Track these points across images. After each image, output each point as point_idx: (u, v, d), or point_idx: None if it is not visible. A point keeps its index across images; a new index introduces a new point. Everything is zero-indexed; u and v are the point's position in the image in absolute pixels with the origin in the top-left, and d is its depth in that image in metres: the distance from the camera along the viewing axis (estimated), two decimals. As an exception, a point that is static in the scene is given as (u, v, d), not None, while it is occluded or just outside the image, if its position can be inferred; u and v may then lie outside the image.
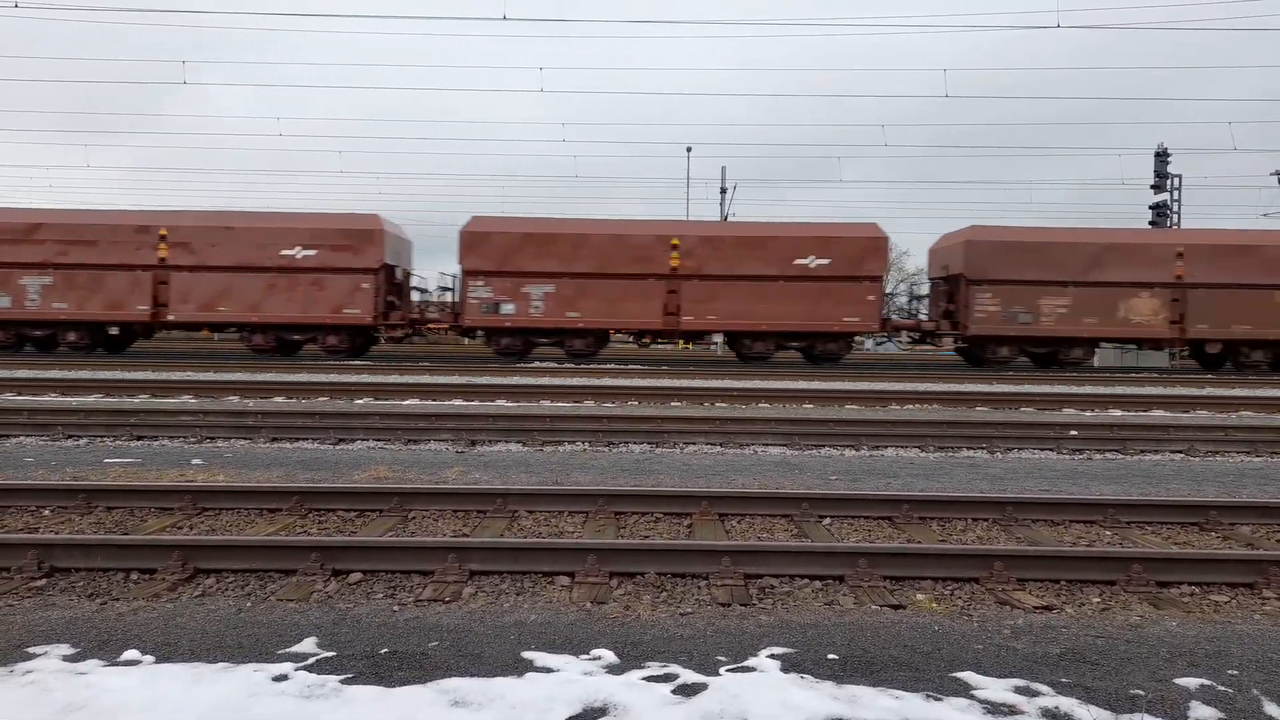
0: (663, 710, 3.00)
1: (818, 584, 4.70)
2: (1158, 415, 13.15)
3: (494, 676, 3.28)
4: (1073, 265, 23.15)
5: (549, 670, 3.37)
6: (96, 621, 3.90)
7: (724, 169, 39.16)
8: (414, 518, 6.02)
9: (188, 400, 13.10)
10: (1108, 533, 5.97)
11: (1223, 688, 3.30)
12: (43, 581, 4.56)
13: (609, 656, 3.53)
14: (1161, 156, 34.54)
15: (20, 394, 13.59)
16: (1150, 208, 34.94)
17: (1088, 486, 7.52)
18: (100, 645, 3.60)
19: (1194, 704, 3.13)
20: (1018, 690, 3.23)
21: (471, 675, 3.29)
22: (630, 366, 22.13)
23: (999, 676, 3.36)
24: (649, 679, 3.29)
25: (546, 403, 13.51)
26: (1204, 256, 23.22)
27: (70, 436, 9.46)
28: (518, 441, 9.50)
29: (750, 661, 3.50)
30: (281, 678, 3.24)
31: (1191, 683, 3.32)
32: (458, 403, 13.27)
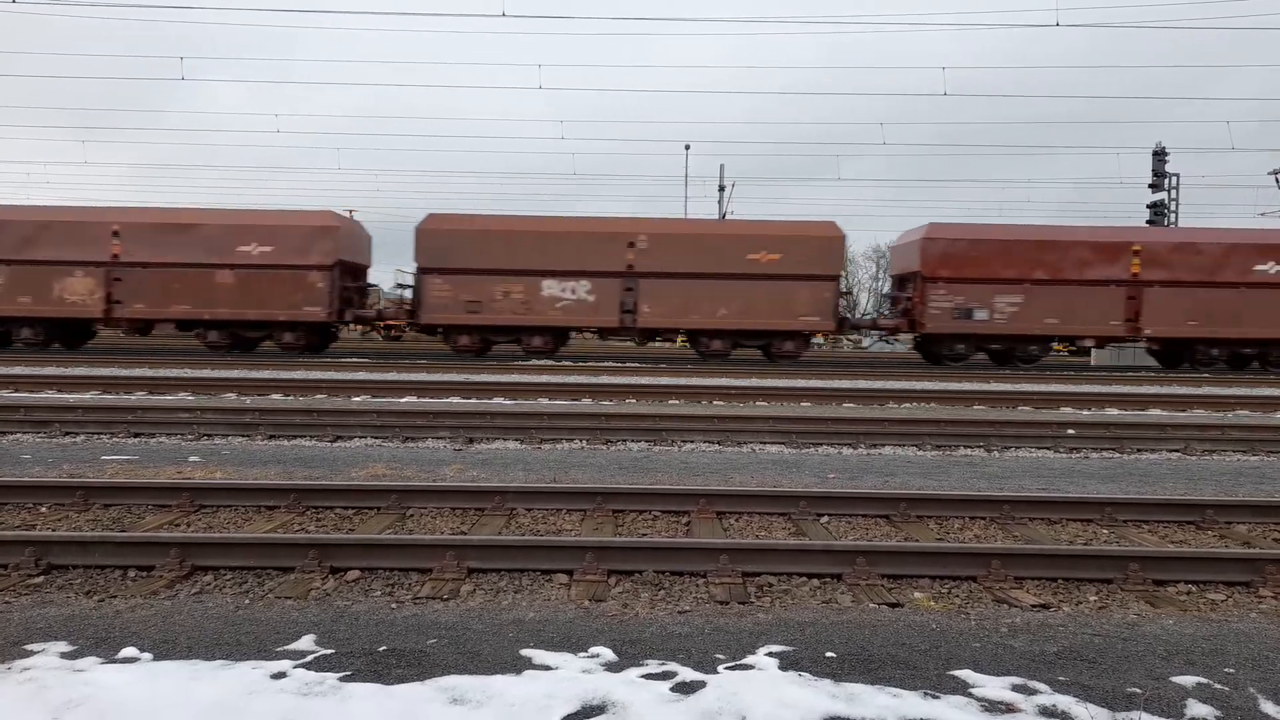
0: (662, 708, 3.00)
1: (816, 582, 4.70)
2: (1155, 414, 13.17)
3: (493, 674, 3.28)
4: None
5: (548, 668, 3.37)
6: (94, 619, 3.89)
7: (722, 166, 39.07)
8: (412, 515, 6.01)
9: (185, 397, 13.08)
10: (1105, 531, 5.98)
11: (1219, 686, 3.31)
12: (40, 579, 4.56)
13: (607, 654, 3.53)
14: (1159, 155, 34.58)
15: (17, 390, 13.57)
16: (1148, 206, 34.99)
17: (1085, 485, 7.53)
18: (98, 642, 3.59)
19: (1191, 702, 3.14)
20: (1015, 688, 3.24)
21: (470, 673, 3.29)
22: (628, 364, 22.12)
23: (996, 675, 3.36)
24: (647, 677, 3.30)
25: (544, 400, 13.51)
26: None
27: (68, 433, 9.44)
28: (516, 439, 9.50)
29: (749, 659, 3.50)
30: (280, 675, 3.24)
31: (1188, 681, 3.33)
32: (455, 400, 13.26)
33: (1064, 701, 3.12)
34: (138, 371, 17.08)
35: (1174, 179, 34.58)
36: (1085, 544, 5.67)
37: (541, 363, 22.01)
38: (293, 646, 3.57)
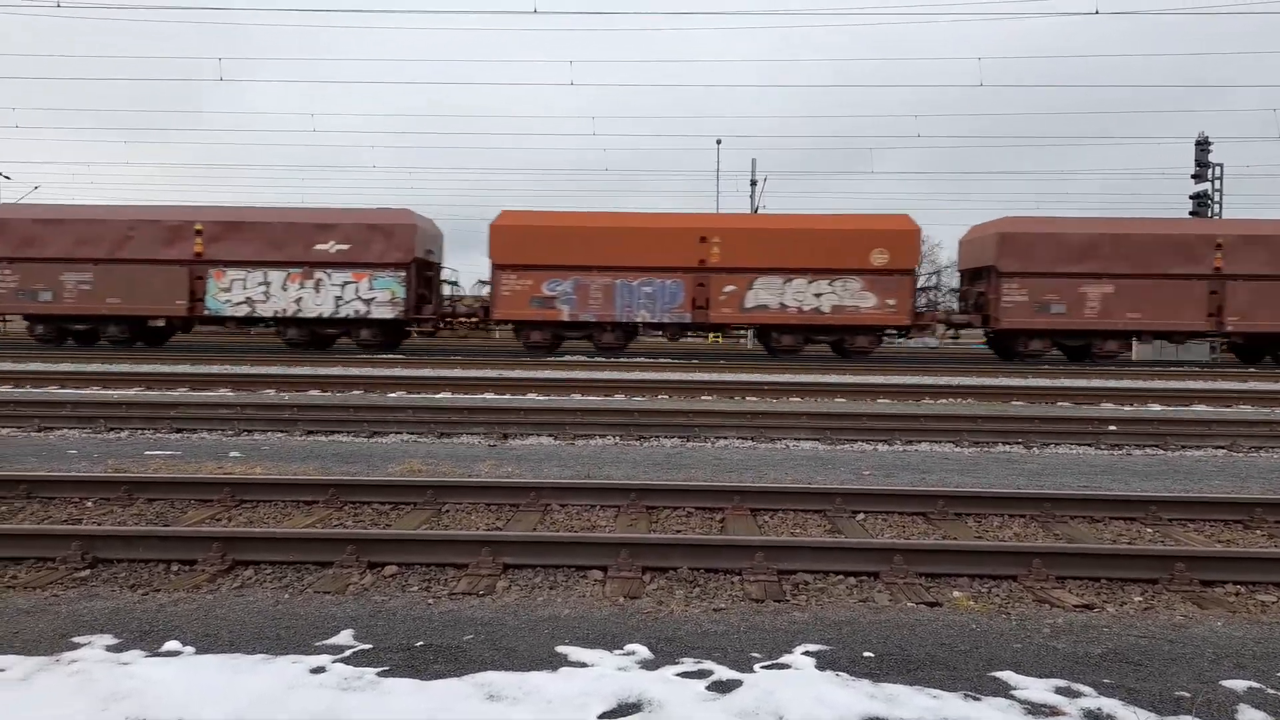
0: (698, 707, 2.99)
1: (852, 580, 4.66)
2: (1199, 410, 12.88)
3: (529, 671, 3.29)
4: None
5: (583, 665, 3.37)
6: (138, 612, 3.96)
7: (754, 161, 38.94)
8: (448, 511, 6.05)
9: (225, 393, 13.29)
10: (1149, 530, 5.86)
11: (1272, 691, 3.22)
12: (87, 572, 4.65)
13: (643, 652, 3.52)
14: (1202, 145, 33.80)
15: (64, 387, 13.87)
16: (1191, 197, 34.22)
17: (1127, 483, 7.39)
18: (142, 636, 3.66)
19: (1242, 707, 3.06)
20: (1059, 691, 3.18)
21: (506, 669, 3.30)
22: (661, 360, 22.11)
23: (1039, 676, 3.31)
24: (683, 675, 3.28)
25: (577, 396, 13.54)
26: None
27: (112, 429, 9.64)
28: (549, 435, 9.53)
29: (785, 658, 3.48)
30: (319, 670, 3.27)
31: (1239, 685, 3.25)
32: (489, 396, 13.34)
33: (1109, 705, 3.06)
34: (180, 368, 17.39)
35: (1218, 169, 33.79)
36: (1129, 543, 5.56)
37: (574, 358, 22.07)
38: (331, 641, 3.61)
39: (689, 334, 25.09)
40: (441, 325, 24.71)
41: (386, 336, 23.99)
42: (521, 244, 22.99)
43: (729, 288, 23.06)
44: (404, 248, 23.11)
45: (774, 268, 22.93)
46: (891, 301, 23.00)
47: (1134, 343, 25.30)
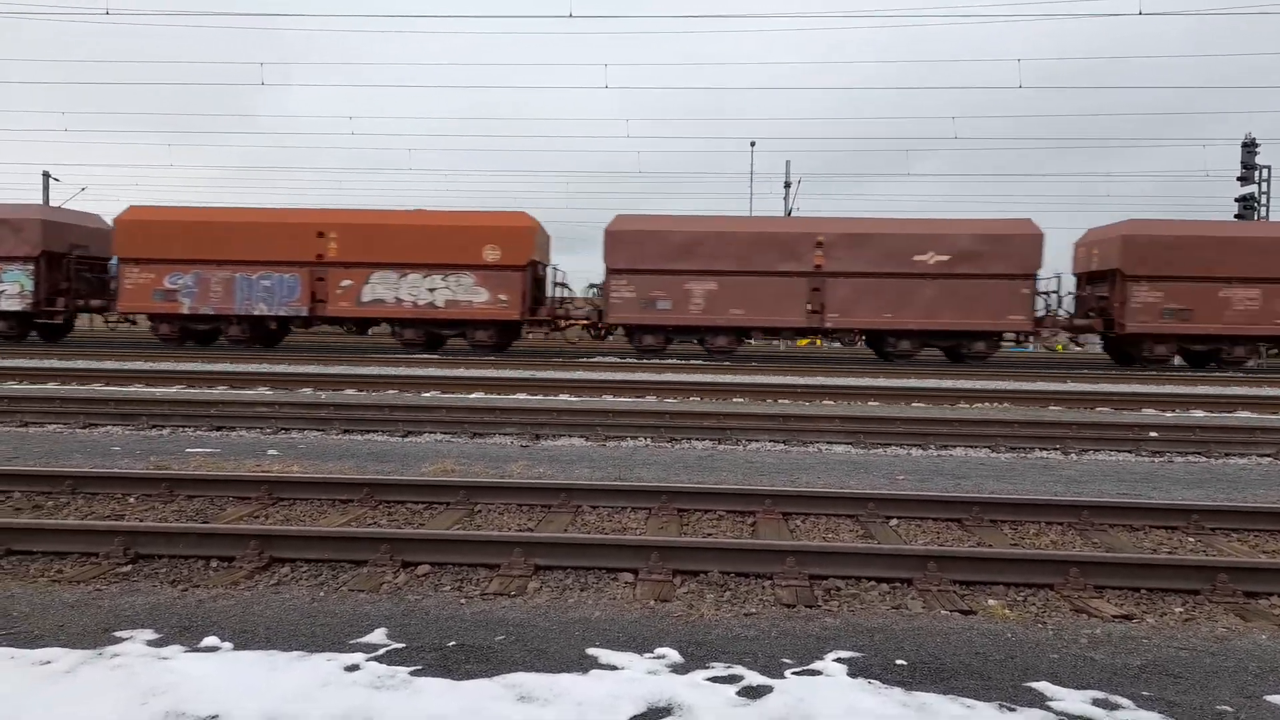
0: (728, 712, 2.98)
1: (885, 587, 4.62)
2: (1243, 416, 12.60)
3: (560, 673, 3.30)
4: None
5: (614, 668, 3.38)
6: (178, 608, 4.04)
7: (788, 163, 38.71)
8: (480, 511, 6.10)
9: (264, 392, 13.50)
10: (1190, 540, 5.74)
11: (1318, 707, 3.14)
12: (129, 567, 4.75)
13: (673, 656, 3.52)
14: (1249, 147, 33.07)
15: (108, 384, 14.18)
16: (1236, 200, 33.49)
17: (1168, 491, 7.25)
18: (182, 631, 3.73)
19: (1286, 723, 2.99)
20: (1096, 703, 3.13)
21: (537, 671, 3.32)
22: (692, 362, 22.07)
23: (1076, 688, 3.25)
24: (714, 680, 3.28)
25: (609, 397, 13.57)
26: None
27: (154, 426, 9.83)
28: (581, 436, 9.56)
29: (816, 665, 3.46)
30: (353, 668, 3.31)
31: (1283, 700, 3.17)
32: (522, 396, 13.41)
33: (1149, 718, 3.00)
34: (219, 366, 17.69)
35: (1265, 171, 33.03)
36: (1170, 553, 5.45)
37: (607, 359, 22.10)
38: (365, 639, 3.65)
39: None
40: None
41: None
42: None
43: (345, 282, 23.15)
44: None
45: (390, 263, 23.00)
46: (504, 297, 23.00)
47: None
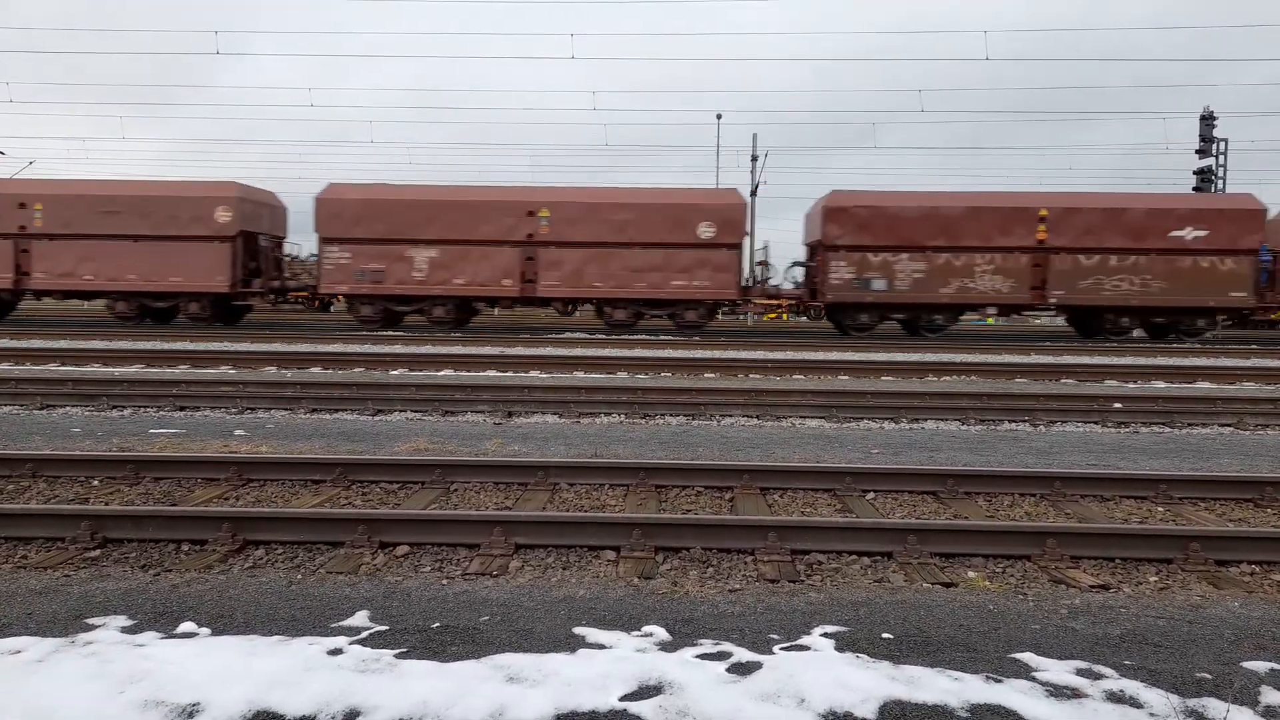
0: (720, 689, 2.97)
1: (866, 560, 4.65)
2: (1203, 387, 12.87)
3: (547, 653, 3.27)
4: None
5: (602, 647, 3.35)
6: (151, 593, 3.94)
7: (755, 136, 38.48)
8: (456, 490, 6.03)
9: (227, 370, 13.24)
10: (1160, 509, 5.84)
11: (1293, 672, 3.20)
12: (97, 552, 4.63)
13: (661, 634, 3.50)
14: (1207, 120, 33.57)
15: (64, 364, 13.82)
16: (1195, 173, 34.05)
17: (1136, 461, 7.38)
18: (156, 617, 3.63)
19: (1265, 689, 3.05)
20: (1079, 672, 3.16)
21: (525, 651, 3.28)
22: (661, 338, 22.05)
23: (1059, 658, 3.29)
24: (703, 657, 3.26)
25: (580, 374, 13.51)
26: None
27: (115, 407, 9.60)
28: (554, 413, 9.50)
29: (804, 640, 3.46)
30: (336, 651, 3.25)
31: (1260, 666, 3.24)
32: (493, 373, 13.30)
33: (1131, 687, 3.04)
34: (179, 345, 17.32)
35: (1222, 144, 33.59)
36: (1141, 522, 5.54)
37: (575, 336, 21.99)
38: (347, 623, 3.59)
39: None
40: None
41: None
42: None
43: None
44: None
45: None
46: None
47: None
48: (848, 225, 22.53)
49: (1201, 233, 22.24)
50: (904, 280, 22.60)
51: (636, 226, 22.64)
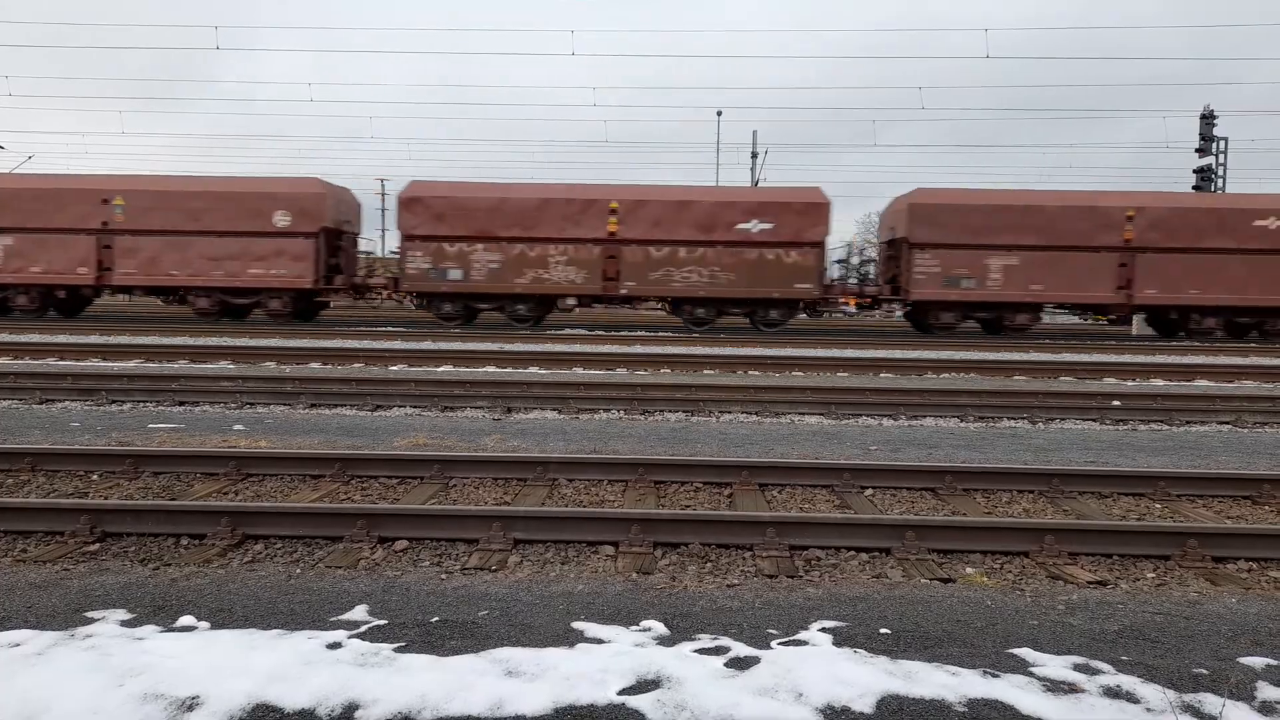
0: (717, 683, 2.98)
1: (864, 556, 4.65)
2: (1202, 385, 12.88)
3: (546, 647, 3.27)
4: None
5: (600, 641, 3.36)
6: (150, 587, 3.94)
7: (755, 133, 38.50)
8: (455, 485, 6.03)
9: (226, 365, 13.24)
10: (1158, 506, 5.85)
11: (1289, 668, 3.21)
12: (96, 546, 4.63)
13: (659, 628, 3.51)
14: (1207, 119, 33.55)
15: (63, 359, 13.81)
16: (1195, 171, 34.03)
17: (1134, 458, 7.39)
18: (155, 610, 3.64)
19: (1261, 684, 3.06)
20: (1077, 668, 3.17)
21: (523, 645, 3.29)
22: (660, 334, 22.05)
23: (1057, 653, 3.30)
24: (701, 651, 3.27)
25: (579, 370, 13.51)
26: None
27: (114, 401, 9.60)
28: (554, 409, 9.50)
29: (802, 635, 3.47)
30: (336, 645, 3.26)
31: (1257, 662, 3.24)
32: (492, 369, 13.30)
33: (1128, 682, 3.05)
34: (179, 340, 17.32)
35: (1222, 143, 33.57)
36: (1139, 519, 5.55)
37: (574, 332, 22.00)
38: (346, 617, 3.59)
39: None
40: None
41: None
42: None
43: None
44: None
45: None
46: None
47: (1134, 319, 25.16)
48: (423, 215, 22.57)
49: (767, 225, 22.47)
50: (480, 270, 22.70)
51: (212, 215, 22.58)
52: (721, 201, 22.75)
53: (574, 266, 22.69)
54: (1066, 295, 22.80)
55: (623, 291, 22.89)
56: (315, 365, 13.62)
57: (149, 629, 3.42)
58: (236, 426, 8.22)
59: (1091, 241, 22.31)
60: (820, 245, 22.82)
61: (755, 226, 22.43)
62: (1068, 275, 22.43)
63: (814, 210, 22.57)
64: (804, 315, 24.17)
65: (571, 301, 23.53)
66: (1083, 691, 3.00)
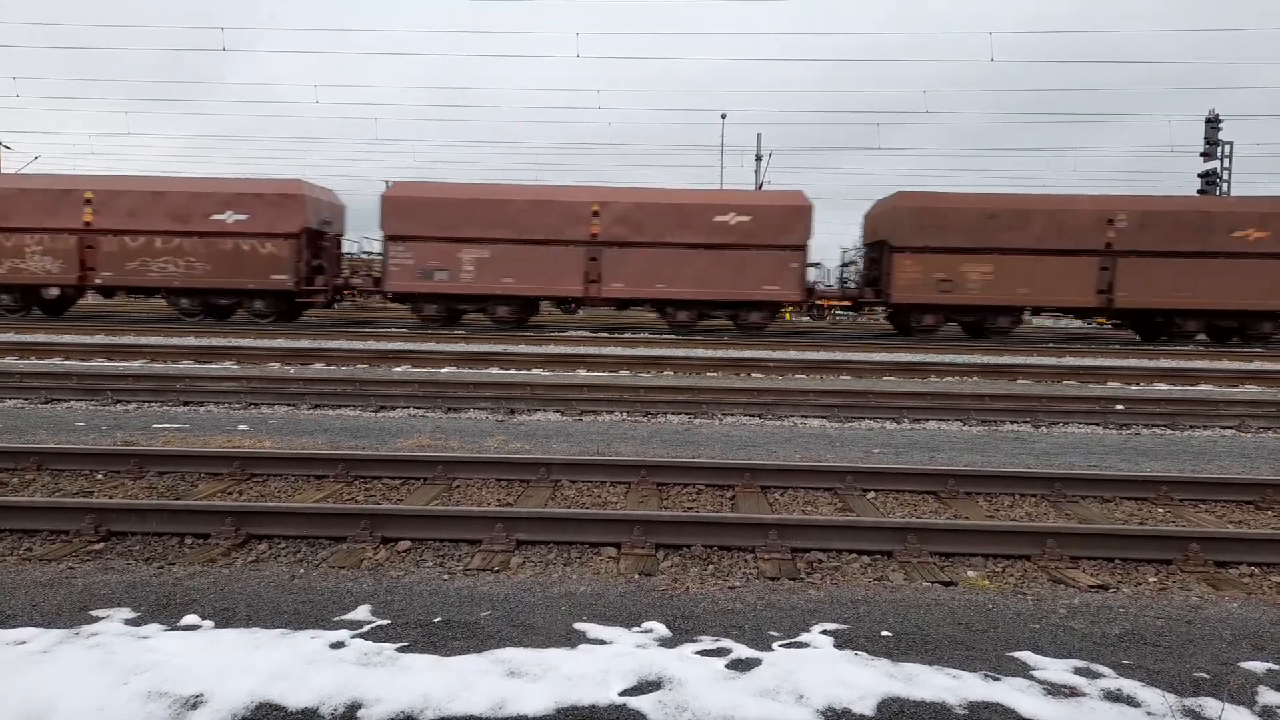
0: (718, 685, 2.99)
1: (866, 559, 4.66)
2: (1206, 390, 12.86)
3: (548, 648, 3.29)
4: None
5: (602, 642, 3.37)
6: (155, 586, 3.96)
7: (759, 136, 38.54)
8: (458, 486, 6.05)
9: (230, 366, 13.28)
10: (1160, 511, 5.85)
11: (1290, 673, 3.21)
12: (100, 545, 4.66)
13: (660, 630, 3.52)
14: (1212, 123, 33.52)
15: (68, 359, 13.86)
16: (1199, 175, 33.99)
17: (1137, 463, 7.38)
18: (160, 609, 3.66)
19: (1262, 689, 3.06)
20: (1078, 671, 3.18)
21: (525, 646, 3.30)
22: (664, 336, 22.05)
23: (1058, 657, 3.31)
24: (702, 653, 3.28)
25: (583, 372, 13.52)
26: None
27: (119, 401, 9.63)
28: (556, 411, 9.52)
29: (803, 637, 3.48)
30: (339, 645, 3.27)
31: (1258, 667, 3.25)
32: (495, 371, 13.32)
33: (1129, 686, 3.06)
34: (183, 340, 17.36)
35: (1227, 147, 33.53)
36: (1141, 523, 5.55)
37: (578, 334, 22.02)
38: (349, 616, 3.61)
39: None
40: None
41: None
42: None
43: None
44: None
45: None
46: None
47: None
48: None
49: (242, 216, 22.55)
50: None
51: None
52: (197, 192, 22.59)
53: (50, 256, 22.46)
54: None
55: (97, 282, 22.72)
56: (319, 366, 13.65)
57: (153, 627, 3.44)
58: (241, 427, 8.25)
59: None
60: (296, 236, 22.61)
61: (230, 217, 22.31)
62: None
63: (290, 202, 22.59)
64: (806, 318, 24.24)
65: (55, 292, 23.48)
66: (1083, 695, 3.00)
